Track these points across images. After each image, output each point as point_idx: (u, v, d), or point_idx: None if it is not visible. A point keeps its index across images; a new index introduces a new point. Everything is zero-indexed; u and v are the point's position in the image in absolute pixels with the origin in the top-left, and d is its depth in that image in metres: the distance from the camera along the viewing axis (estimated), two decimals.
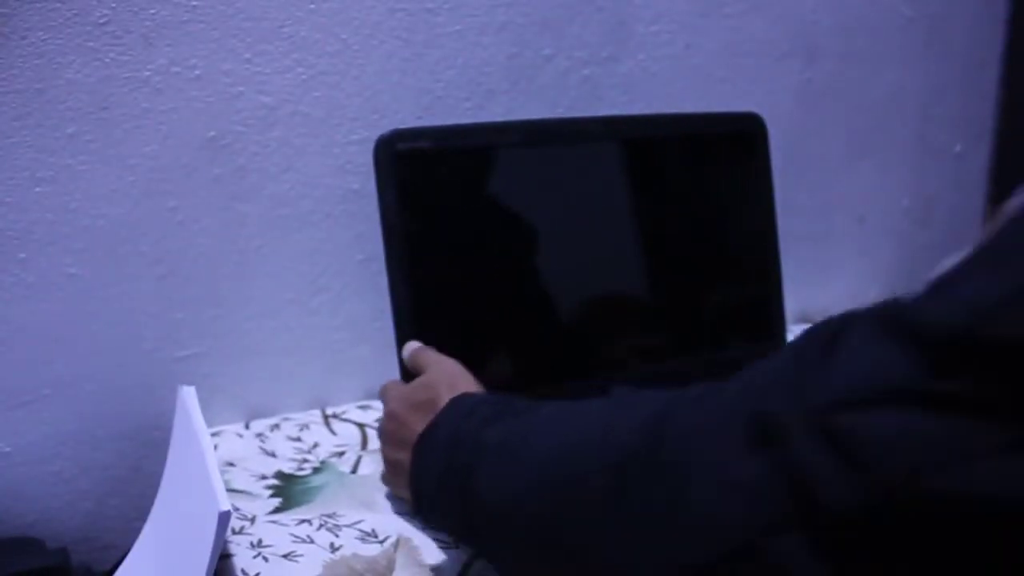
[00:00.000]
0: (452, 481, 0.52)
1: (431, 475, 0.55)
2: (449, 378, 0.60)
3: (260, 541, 0.63)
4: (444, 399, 0.57)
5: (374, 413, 0.84)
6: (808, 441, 0.35)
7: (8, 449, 0.73)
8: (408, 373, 0.67)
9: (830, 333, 0.37)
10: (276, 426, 0.81)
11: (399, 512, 0.67)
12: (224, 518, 0.52)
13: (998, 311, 0.31)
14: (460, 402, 0.56)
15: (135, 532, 0.71)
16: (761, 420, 0.37)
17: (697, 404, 0.41)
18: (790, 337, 0.89)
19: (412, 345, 0.67)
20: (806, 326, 1.10)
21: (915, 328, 0.34)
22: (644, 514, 0.41)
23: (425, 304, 0.69)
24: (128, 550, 0.70)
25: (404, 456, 0.59)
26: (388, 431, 0.63)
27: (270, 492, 0.70)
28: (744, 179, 0.85)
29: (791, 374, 0.37)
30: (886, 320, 0.35)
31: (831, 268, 1.12)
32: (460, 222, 0.71)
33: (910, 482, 0.32)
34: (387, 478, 0.67)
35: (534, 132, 0.75)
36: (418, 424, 0.57)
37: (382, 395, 0.66)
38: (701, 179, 0.83)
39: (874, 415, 0.33)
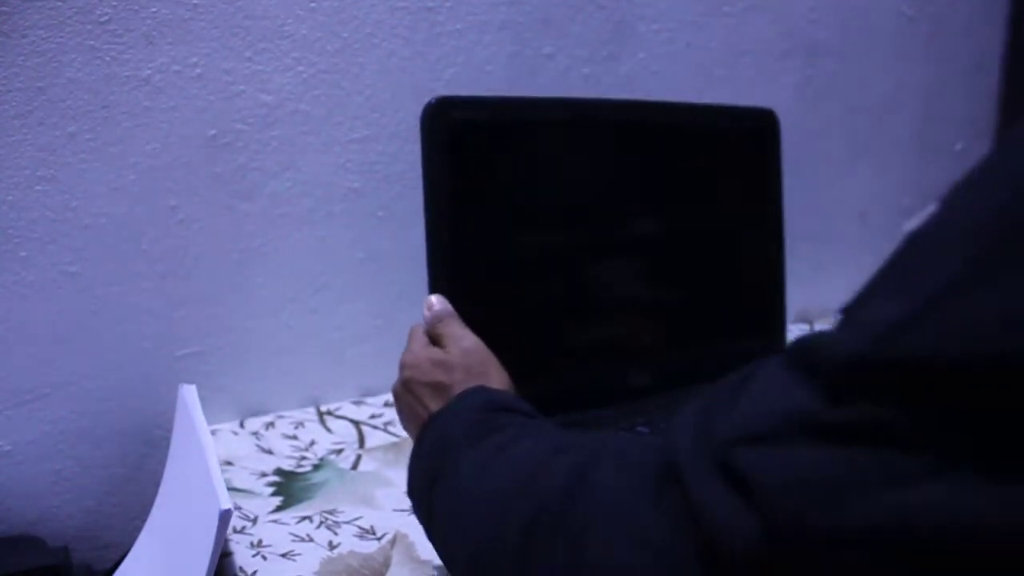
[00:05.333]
0: (425, 483, 0.53)
1: (418, 465, 0.55)
2: (468, 363, 0.58)
3: (260, 541, 0.63)
4: (458, 388, 0.56)
5: (369, 409, 0.84)
6: (708, 484, 0.33)
7: (9, 447, 0.73)
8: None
9: (742, 376, 0.36)
10: (271, 424, 0.81)
11: (398, 509, 0.67)
12: (225, 516, 0.52)
13: (893, 333, 0.30)
14: (460, 402, 0.55)
15: (136, 530, 0.71)
16: (668, 467, 0.35)
17: (617, 456, 0.40)
18: (791, 336, 0.89)
19: (438, 307, 0.62)
20: (806, 326, 1.10)
21: (814, 358, 0.32)
22: (545, 570, 0.39)
23: (460, 272, 0.66)
24: (129, 548, 0.70)
25: (413, 431, 0.58)
26: (403, 402, 0.60)
27: (271, 490, 0.70)
28: (756, 175, 0.84)
29: (700, 418, 0.36)
30: (791, 355, 0.34)
31: (831, 267, 1.12)
32: (497, 193, 0.70)
33: (800, 519, 0.30)
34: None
35: (571, 110, 0.74)
36: (431, 404, 0.56)
37: (403, 362, 0.61)
38: (713, 173, 0.82)
39: (767, 449, 0.32)
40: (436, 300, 0.62)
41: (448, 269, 0.66)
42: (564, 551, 0.39)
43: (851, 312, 0.33)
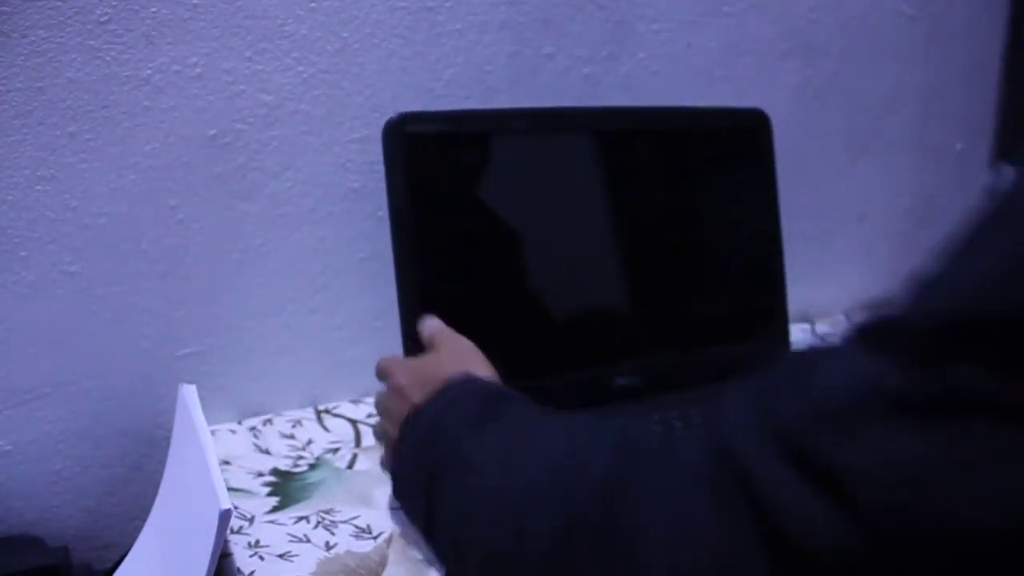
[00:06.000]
0: (420, 480, 0.50)
1: (407, 462, 0.53)
2: (459, 358, 0.58)
3: (257, 541, 0.63)
4: (443, 376, 0.55)
5: (366, 408, 0.84)
6: (780, 477, 0.29)
7: (9, 447, 0.73)
8: (415, 347, 0.67)
9: (799, 361, 0.33)
10: (268, 421, 0.81)
11: (395, 507, 0.67)
12: (225, 516, 0.52)
13: (985, 290, 0.26)
14: (452, 387, 0.53)
15: (136, 530, 0.71)
16: (722, 459, 0.32)
17: (660, 456, 0.37)
18: (792, 337, 0.89)
19: (431, 321, 0.66)
20: (806, 326, 1.10)
21: (891, 331, 0.29)
22: None
23: (430, 285, 0.70)
24: (129, 548, 0.70)
25: (394, 429, 0.57)
26: (390, 407, 0.60)
27: (268, 490, 0.70)
28: (748, 175, 0.85)
29: (757, 405, 0.32)
30: (864, 332, 0.31)
31: (831, 268, 1.12)
32: (467, 206, 0.72)
33: (903, 516, 0.26)
34: (383, 458, 0.65)
35: (540, 120, 0.76)
36: (415, 396, 0.56)
37: (384, 369, 0.63)
38: (704, 174, 0.83)
39: (852, 435, 0.28)
40: (430, 319, 0.66)
41: (417, 279, 0.70)
42: (613, 560, 0.35)
43: (926, 281, 0.30)
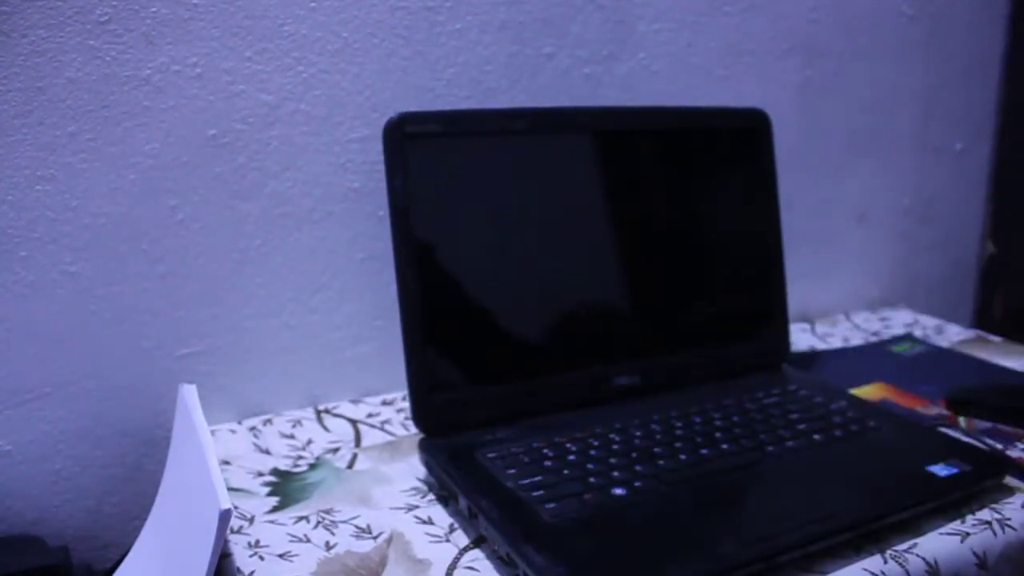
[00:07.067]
0: None
1: None
2: None
3: (257, 541, 0.63)
4: None
5: (366, 408, 0.84)
6: None
7: (9, 447, 0.73)
8: (415, 346, 0.69)
9: None
10: (268, 421, 0.81)
11: (394, 507, 0.67)
12: (225, 516, 0.52)
13: None
14: None
15: (136, 530, 0.71)
16: None
17: None
18: (792, 336, 0.89)
19: None
20: (806, 326, 1.10)
21: None
22: None
23: (431, 285, 0.70)
24: (129, 548, 0.70)
25: None
26: None
27: (268, 490, 0.70)
28: (748, 175, 0.85)
29: None
30: None
31: (831, 267, 1.12)
32: (467, 206, 0.72)
33: None
34: None
35: (540, 120, 0.76)
36: None
37: None
38: (704, 174, 0.83)
39: None
40: None
41: (417, 279, 0.69)
42: None
43: None
